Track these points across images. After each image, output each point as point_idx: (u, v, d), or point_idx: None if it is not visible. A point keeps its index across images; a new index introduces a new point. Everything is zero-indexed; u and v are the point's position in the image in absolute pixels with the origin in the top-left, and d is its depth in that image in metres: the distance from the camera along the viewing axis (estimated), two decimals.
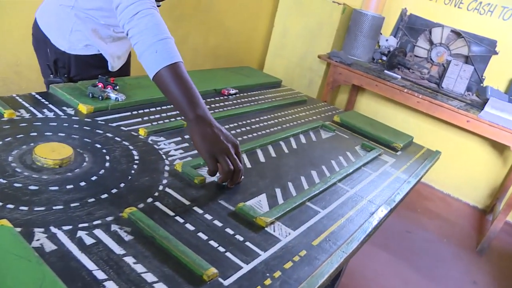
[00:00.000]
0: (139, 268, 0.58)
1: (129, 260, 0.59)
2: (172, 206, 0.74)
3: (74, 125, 0.93)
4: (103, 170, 0.79)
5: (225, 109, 1.26)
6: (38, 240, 0.58)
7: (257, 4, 3.15)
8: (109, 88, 1.09)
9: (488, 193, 2.94)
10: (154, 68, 0.85)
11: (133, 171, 0.82)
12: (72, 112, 0.99)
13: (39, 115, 0.94)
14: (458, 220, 2.77)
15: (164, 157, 0.90)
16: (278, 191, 0.88)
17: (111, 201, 0.71)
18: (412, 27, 2.95)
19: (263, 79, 1.66)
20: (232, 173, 0.82)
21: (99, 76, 1.10)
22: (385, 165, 1.18)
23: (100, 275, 0.55)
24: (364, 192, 0.99)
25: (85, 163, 0.80)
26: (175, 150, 0.95)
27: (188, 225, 0.70)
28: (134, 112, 1.08)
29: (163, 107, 1.15)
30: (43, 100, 1.02)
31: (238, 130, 1.14)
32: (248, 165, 0.97)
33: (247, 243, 0.69)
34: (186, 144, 0.99)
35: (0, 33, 1.75)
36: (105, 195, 0.72)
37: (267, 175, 0.94)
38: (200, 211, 0.75)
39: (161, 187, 0.79)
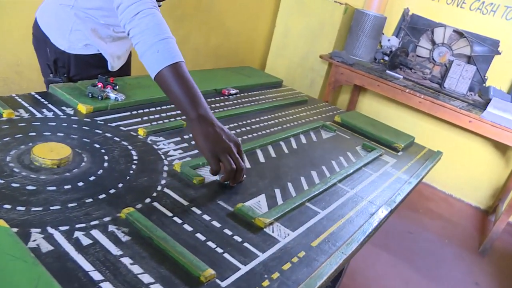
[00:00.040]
0: (136, 269, 0.58)
1: (126, 261, 0.59)
2: (170, 207, 0.73)
3: (73, 125, 0.93)
4: (101, 170, 0.79)
5: (225, 109, 1.26)
6: (34, 240, 0.58)
7: (258, 4, 3.14)
8: (108, 88, 1.08)
9: (490, 194, 2.93)
10: (155, 68, 0.84)
11: (131, 171, 0.81)
12: (72, 112, 0.99)
13: (38, 115, 0.93)
14: (460, 221, 2.76)
15: (163, 157, 0.90)
16: (277, 192, 0.88)
17: (109, 202, 0.71)
18: (414, 27, 2.94)
19: (264, 79, 1.65)
20: (234, 172, 0.82)
21: (99, 76, 1.09)
22: (386, 166, 1.17)
23: (96, 276, 0.55)
24: (365, 192, 0.98)
25: (83, 163, 0.80)
26: (174, 150, 0.94)
27: (186, 226, 0.69)
28: (134, 112, 1.08)
29: (162, 107, 1.15)
30: (42, 100, 1.01)
31: (238, 130, 1.14)
32: (248, 165, 0.96)
33: (246, 244, 0.69)
34: (186, 144, 0.98)
35: (1, 33, 1.75)
36: (103, 195, 0.72)
37: (266, 175, 0.94)
38: (199, 212, 0.74)
39: (159, 188, 0.78)
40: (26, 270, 0.50)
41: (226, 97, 1.37)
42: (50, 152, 0.77)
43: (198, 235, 0.68)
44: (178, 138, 1.00)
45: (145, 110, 1.10)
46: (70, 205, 0.67)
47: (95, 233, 0.63)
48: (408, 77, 2.71)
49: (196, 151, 0.96)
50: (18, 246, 0.54)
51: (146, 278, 0.56)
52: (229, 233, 0.71)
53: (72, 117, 0.97)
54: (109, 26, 1.16)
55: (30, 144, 0.81)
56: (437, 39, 2.82)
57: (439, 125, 2.98)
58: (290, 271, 0.65)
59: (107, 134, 0.93)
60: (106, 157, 0.84)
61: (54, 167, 0.76)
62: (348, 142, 1.28)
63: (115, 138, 0.92)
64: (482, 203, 2.98)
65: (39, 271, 0.50)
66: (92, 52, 1.18)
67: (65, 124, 0.93)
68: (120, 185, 0.76)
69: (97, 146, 0.87)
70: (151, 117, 1.08)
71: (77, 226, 0.63)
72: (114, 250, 0.60)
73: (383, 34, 2.97)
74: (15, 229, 0.59)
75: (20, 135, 0.83)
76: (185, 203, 0.76)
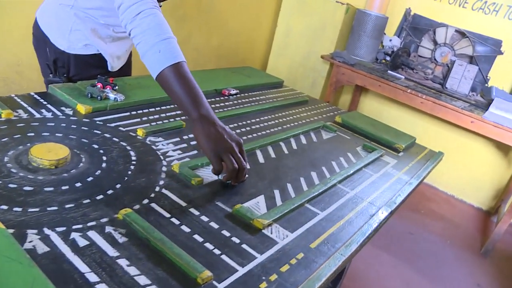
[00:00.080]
0: (132, 270, 0.57)
1: (123, 262, 0.58)
2: (168, 208, 0.73)
3: (72, 126, 0.93)
4: (99, 171, 0.79)
5: (225, 109, 1.26)
6: (30, 241, 0.58)
7: (259, 4, 3.14)
8: (108, 88, 1.08)
9: (492, 195, 2.92)
10: (157, 68, 0.84)
11: (129, 172, 0.81)
12: (71, 113, 0.99)
13: (37, 115, 0.93)
14: (462, 222, 2.75)
15: (162, 157, 0.90)
16: (276, 193, 0.87)
17: (107, 202, 0.70)
18: (416, 27, 2.93)
19: (264, 80, 1.65)
20: (236, 172, 0.82)
21: (98, 76, 1.09)
22: (386, 166, 1.16)
23: (92, 277, 0.54)
24: (365, 193, 0.98)
25: (81, 164, 0.80)
26: (173, 150, 0.94)
27: (183, 227, 0.69)
28: (133, 113, 1.07)
29: (162, 108, 1.15)
30: (41, 100, 1.01)
31: (238, 131, 1.13)
32: (247, 166, 0.96)
33: (244, 246, 0.68)
34: (185, 145, 0.98)
35: (1, 33, 1.76)
36: (101, 196, 0.71)
37: (266, 176, 0.93)
38: (197, 213, 0.74)
39: (157, 188, 0.78)
40: (21, 271, 0.50)
41: (226, 97, 1.37)
42: (48, 153, 0.77)
43: (196, 236, 0.68)
44: (177, 139, 1.00)
45: (144, 111, 1.10)
46: (67, 206, 0.67)
47: (92, 234, 0.62)
48: (410, 77, 2.70)
49: (195, 151, 0.96)
50: (14, 247, 0.53)
51: (142, 280, 0.56)
52: (227, 234, 0.70)
53: (71, 118, 0.96)
54: (109, 26, 1.16)
55: (28, 144, 0.80)
56: (439, 39, 2.81)
57: (441, 125, 2.96)
58: (288, 273, 0.65)
59: (106, 135, 0.93)
60: (104, 158, 0.84)
61: (52, 167, 0.76)
62: (349, 142, 1.27)
63: (114, 139, 0.92)
64: (484, 204, 2.96)
65: (34, 273, 0.50)
66: (91, 52, 1.17)
67: (64, 125, 0.92)
68: (118, 185, 0.76)
69: (96, 146, 0.87)
70: (151, 117, 1.07)
71: (74, 227, 0.63)
72: (111, 252, 0.60)
73: (384, 34, 2.96)
74: (11, 230, 0.58)
75: (19, 136, 0.83)
76: (183, 204, 0.75)
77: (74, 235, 0.61)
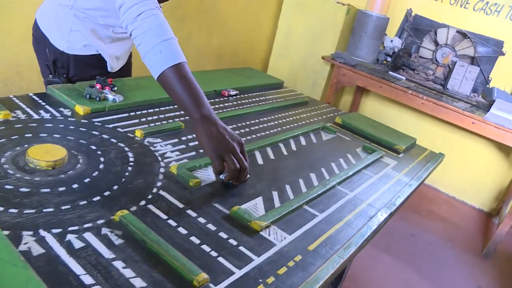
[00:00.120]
0: (128, 272, 0.57)
1: (118, 264, 0.58)
2: (165, 209, 0.73)
3: (70, 127, 0.93)
4: (96, 172, 0.78)
5: (224, 110, 1.25)
6: (26, 243, 0.57)
7: (259, 4, 3.14)
8: (106, 89, 1.08)
9: (494, 196, 2.90)
10: (158, 68, 0.84)
11: (127, 173, 0.80)
12: (69, 113, 0.98)
13: (35, 116, 0.93)
14: (463, 223, 2.74)
15: (160, 159, 0.89)
16: (275, 194, 0.87)
17: (103, 204, 0.70)
18: (417, 27, 2.92)
19: (264, 80, 1.64)
20: (238, 172, 0.82)
21: (97, 77, 1.09)
22: (386, 168, 1.16)
23: (87, 280, 0.54)
24: (364, 195, 0.97)
25: (79, 165, 0.79)
26: (172, 152, 0.94)
27: (180, 229, 0.69)
28: (132, 114, 1.07)
29: (161, 109, 1.14)
30: (40, 101, 1.01)
31: (237, 132, 1.13)
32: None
33: (241, 248, 0.68)
34: (183, 146, 0.98)
35: (1, 33, 1.75)
36: (98, 198, 0.71)
37: (264, 177, 0.93)
38: (194, 215, 0.73)
39: (155, 190, 0.78)
40: (16, 273, 0.49)
41: (225, 98, 1.36)
42: (45, 154, 0.77)
43: (193, 238, 0.67)
44: (176, 140, 0.99)
45: (143, 112, 1.10)
46: (63, 207, 0.66)
47: (88, 236, 0.62)
48: (411, 78, 2.69)
49: (194, 153, 0.96)
50: (8, 249, 0.53)
51: (138, 282, 0.56)
52: (224, 236, 0.70)
53: (69, 119, 0.96)
54: (108, 27, 1.16)
55: (26, 145, 0.80)
56: (440, 40, 2.80)
57: (442, 126, 2.95)
58: (285, 276, 0.64)
59: (104, 136, 0.92)
60: (102, 159, 0.83)
61: (49, 169, 0.75)
62: (349, 144, 1.26)
63: (112, 140, 0.92)
64: (486, 206, 2.95)
65: (29, 275, 0.50)
66: (91, 53, 1.17)
67: (62, 126, 0.92)
68: (115, 187, 0.75)
69: (94, 147, 0.87)
70: (149, 118, 1.07)
71: (70, 228, 0.62)
72: (107, 254, 0.59)
73: (385, 35, 2.95)
74: (6, 232, 0.58)
75: (16, 137, 0.83)
76: (181, 205, 0.75)
77: (70, 236, 0.61)
